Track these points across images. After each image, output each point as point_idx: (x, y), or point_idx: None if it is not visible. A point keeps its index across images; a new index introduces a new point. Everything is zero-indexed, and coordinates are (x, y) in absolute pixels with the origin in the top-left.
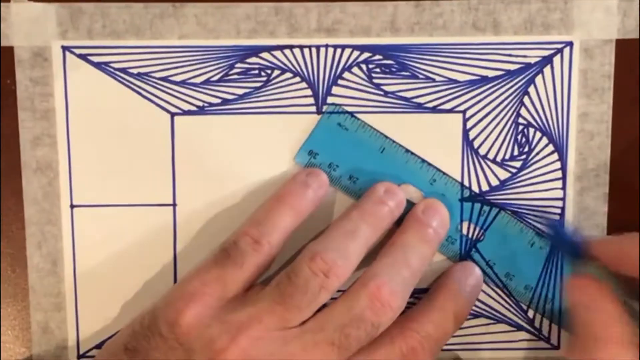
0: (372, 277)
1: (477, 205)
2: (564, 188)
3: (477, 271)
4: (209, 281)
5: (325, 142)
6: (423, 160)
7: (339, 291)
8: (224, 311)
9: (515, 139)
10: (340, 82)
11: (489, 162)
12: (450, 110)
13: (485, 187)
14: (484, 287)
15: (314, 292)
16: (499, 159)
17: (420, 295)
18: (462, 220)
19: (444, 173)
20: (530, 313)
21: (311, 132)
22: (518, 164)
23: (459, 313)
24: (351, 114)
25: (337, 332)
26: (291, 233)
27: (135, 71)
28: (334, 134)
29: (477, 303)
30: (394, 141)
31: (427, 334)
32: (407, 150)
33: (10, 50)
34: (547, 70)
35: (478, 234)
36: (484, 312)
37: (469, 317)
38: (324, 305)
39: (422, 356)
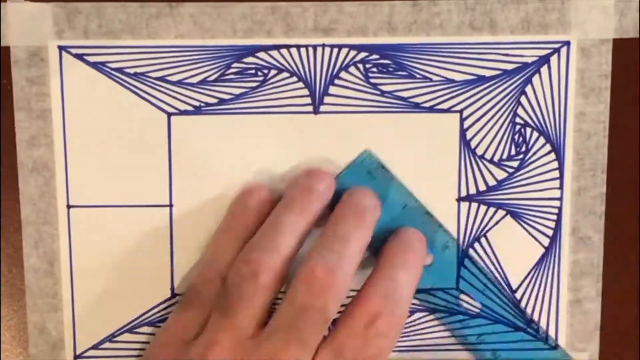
0: (304, 264)
1: (475, 205)
2: (561, 188)
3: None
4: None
5: (354, 184)
6: (440, 226)
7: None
8: (186, 348)
9: (513, 139)
10: (337, 81)
11: (486, 162)
12: (447, 110)
13: (482, 187)
14: (483, 288)
15: (250, 295)
16: (496, 158)
17: None
18: (459, 221)
19: (457, 243)
20: (529, 313)
21: (343, 171)
22: (515, 164)
23: (409, 263)
24: (382, 165)
25: (289, 331)
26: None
27: (131, 71)
28: (364, 180)
29: (476, 304)
30: (417, 200)
31: (385, 293)
32: (427, 212)
33: (6, 50)
34: (544, 69)
35: (475, 234)
36: (482, 313)
37: (466, 317)
38: None
39: (391, 316)
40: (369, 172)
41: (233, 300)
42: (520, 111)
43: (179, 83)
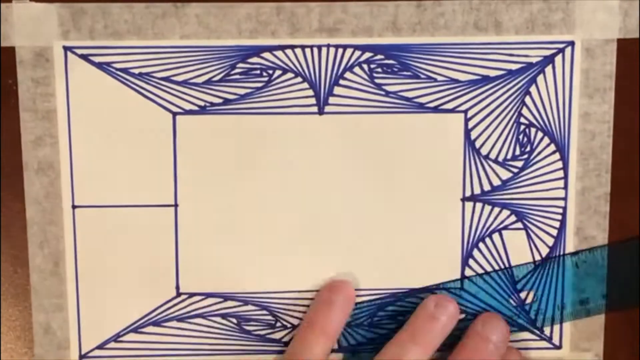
0: None
1: (479, 205)
2: (565, 188)
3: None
4: None
5: None
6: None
7: None
8: None
9: (517, 139)
10: (341, 82)
11: (490, 162)
12: (452, 110)
13: (487, 187)
14: (488, 287)
15: None
16: (500, 158)
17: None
18: (463, 221)
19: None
20: (533, 313)
21: None
22: (520, 164)
23: None
24: None
25: None
26: None
27: (136, 71)
28: None
29: (480, 304)
30: None
31: None
32: None
33: (12, 50)
34: (548, 70)
35: (480, 234)
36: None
37: (470, 317)
38: None
39: None
40: None
41: None
42: (524, 111)
43: (184, 83)
